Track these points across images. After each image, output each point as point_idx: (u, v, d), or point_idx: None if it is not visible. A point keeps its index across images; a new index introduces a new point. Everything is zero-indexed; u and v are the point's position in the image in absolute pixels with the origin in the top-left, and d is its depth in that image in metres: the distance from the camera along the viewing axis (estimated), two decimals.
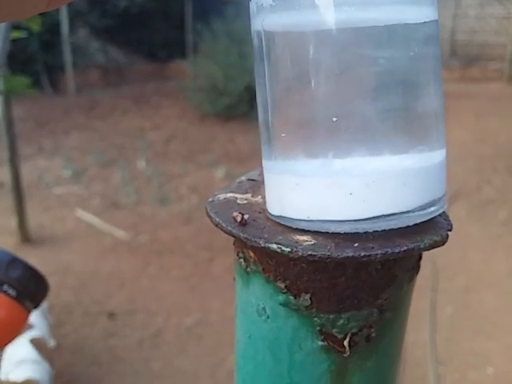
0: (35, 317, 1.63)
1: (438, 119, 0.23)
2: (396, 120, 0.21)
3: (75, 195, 3.11)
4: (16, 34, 2.22)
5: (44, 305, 1.79)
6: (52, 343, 1.82)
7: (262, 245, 0.21)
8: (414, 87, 0.21)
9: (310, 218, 0.22)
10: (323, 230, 0.22)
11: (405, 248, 0.20)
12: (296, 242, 0.21)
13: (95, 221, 2.76)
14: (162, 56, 5.87)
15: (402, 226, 0.21)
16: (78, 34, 5.54)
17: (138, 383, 1.75)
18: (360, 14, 0.20)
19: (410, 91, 0.21)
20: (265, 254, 0.22)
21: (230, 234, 0.22)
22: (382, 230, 0.21)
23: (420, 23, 0.21)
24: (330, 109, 0.21)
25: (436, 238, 0.22)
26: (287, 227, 0.22)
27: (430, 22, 0.21)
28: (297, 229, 0.22)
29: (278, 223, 0.23)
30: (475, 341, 1.93)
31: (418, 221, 0.21)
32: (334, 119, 0.21)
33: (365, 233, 0.21)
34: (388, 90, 0.20)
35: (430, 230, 0.22)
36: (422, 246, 0.21)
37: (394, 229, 0.22)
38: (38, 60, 4.91)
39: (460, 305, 2.14)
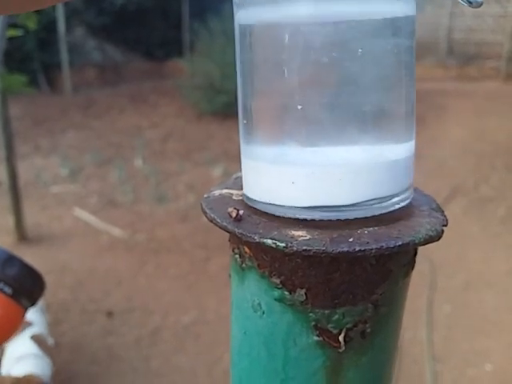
0: (34, 314, 1.63)
1: (399, 116, 0.23)
2: (347, 113, 0.21)
3: (72, 194, 3.11)
4: (12, 32, 2.21)
5: (41, 302, 1.79)
6: (50, 341, 1.82)
7: (257, 240, 0.21)
8: (373, 82, 0.21)
9: (261, 200, 0.23)
10: (270, 213, 0.23)
11: (400, 243, 0.20)
12: (291, 237, 0.21)
13: (92, 219, 2.76)
14: (159, 54, 5.86)
15: (341, 218, 0.22)
16: (74, 33, 5.53)
17: (137, 381, 1.75)
18: (330, 8, 0.20)
19: (369, 86, 0.21)
20: (260, 250, 0.22)
21: (224, 229, 0.22)
22: (328, 220, 0.22)
23: (389, 18, 0.21)
24: (275, 98, 0.22)
25: (431, 233, 0.22)
26: (282, 222, 0.22)
27: (401, 17, 0.21)
28: (292, 224, 0.22)
29: (273, 218, 0.23)
30: (474, 339, 1.94)
31: (360, 216, 0.22)
32: (279, 109, 0.22)
33: (356, 222, 0.22)
34: (347, 83, 0.21)
35: (425, 225, 0.22)
36: (416, 241, 0.21)
37: (390, 222, 0.22)
38: (34, 58, 4.90)
39: (458, 303, 2.15)
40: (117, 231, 2.65)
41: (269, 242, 0.20)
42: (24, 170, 3.09)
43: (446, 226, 0.23)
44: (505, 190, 3.11)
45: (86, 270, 2.36)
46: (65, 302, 2.11)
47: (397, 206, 0.23)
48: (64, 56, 5.01)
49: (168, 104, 4.90)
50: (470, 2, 0.19)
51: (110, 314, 2.07)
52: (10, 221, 2.47)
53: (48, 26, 4.71)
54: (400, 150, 0.23)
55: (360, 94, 0.21)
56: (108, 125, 4.39)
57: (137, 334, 1.97)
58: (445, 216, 0.24)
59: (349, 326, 0.22)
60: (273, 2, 0.21)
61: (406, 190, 0.24)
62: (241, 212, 0.22)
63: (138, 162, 3.58)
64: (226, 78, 4.22)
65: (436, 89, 5.41)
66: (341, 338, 0.22)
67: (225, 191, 0.26)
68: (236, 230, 0.22)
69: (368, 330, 0.23)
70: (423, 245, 0.21)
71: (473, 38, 5.86)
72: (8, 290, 0.49)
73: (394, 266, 0.22)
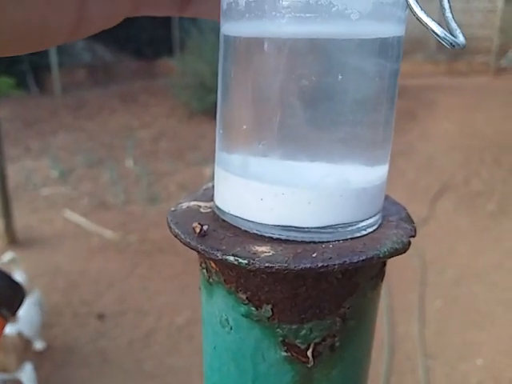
0: (27, 310, 1.63)
1: (374, 144, 0.22)
2: (320, 134, 0.21)
3: (63, 196, 3.10)
4: None
5: (38, 296, 1.77)
6: (41, 345, 1.81)
7: (220, 257, 0.20)
8: (350, 105, 0.21)
9: (230, 212, 0.23)
10: (238, 226, 0.23)
11: (363, 257, 0.20)
12: (254, 253, 0.20)
13: (83, 221, 2.75)
14: (148, 54, 5.84)
15: (307, 240, 0.22)
16: None
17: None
18: (314, 26, 0.19)
19: (346, 109, 0.21)
20: (225, 265, 0.22)
21: (188, 245, 0.22)
22: (293, 240, 0.22)
23: (377, 39, 0.20)
24: (250, 110, 0.22)
25: (397, 246, 0.21)
26: (248, 237, 0.22)
27: (389, 38, 0.21)
28: (257, 239, 0.22)
29: (239, 233, 0.22)
30: (465, 333, 1.95)
31: (325, 239, 0.21)
32: (253, 121, 0.22)
33: (322, 242, 0.21)
34: (323, 103, 0.20)
35: (391, 237, 0.22)
36: (381, 255, 0.20)
37: (356, 236, 0.22)
38: (23, 60, 4.86)
39: (449, 298, 2.16)
40: (108, 233, 2.64)
41: (231, 258, 0.20)
42: (14, 172, 3.07)
43: (413, 236, 0.23)
44: (494, 185, 3.13)
45: (78, 272, 2.35)
46: (57, 305, 2.10)
47: (363, 232, 0.22)
48: (53, 57, 4.98)
49: (159, 103, 4.88)
50: (453, 46, 0.19)
51: (101, 317, 2.06)
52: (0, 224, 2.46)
53: None
54: (372, 178, 0.23)
55: (335, 115, 0.21)
56: (99, 125, 4.37)
57: (129, 337, 1.97)
58: (413, 226, 0.24)
59: (317, 340, 0.22)
60: (257, 16, 0.20)
61: (374, 215, 0.23)
62: (205, 227, 0.22)
63: (130, 163, 3.56)
64: (216, 76, 4.20)
65: (426, 84, 5.43)
66: (309, 353, 0.22)
67: (193, 203, 0.25)
68: (199, 246, 0.21)
69: (337, 344, 0.23)
70: (388, 258, 0.21)
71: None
72: None
73: (360, 279, 0.22)
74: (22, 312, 1.55)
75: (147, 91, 5.21)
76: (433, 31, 0.18)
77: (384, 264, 0.24)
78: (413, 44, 5.65)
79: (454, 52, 5.72)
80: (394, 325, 1.95)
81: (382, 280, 0.24)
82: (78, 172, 3.42)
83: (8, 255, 1.81)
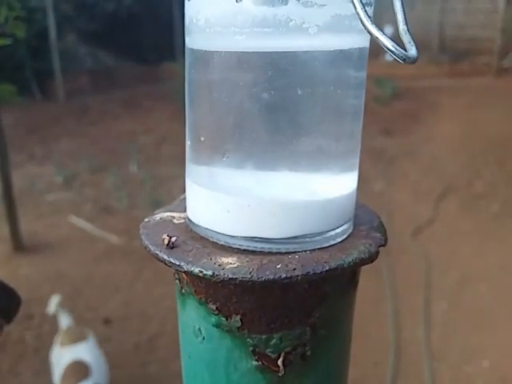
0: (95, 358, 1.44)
1: (339, 155, 0.22)
2: (283, 145, 0.21)
3: (67, 201, 3.11)
4: (1, 42, 2.21)
5: (93, 339, 1.55)
6: None
7: (185, 269, 0.21)
8: (314, 116, 0.21)
9: (200, 224, 0.23)
10: (208, 238, 0.23)
11: (327, 268, 0.20)
12: (219, 265, 0.21)
13: (88, 226, 2.76)
14: (151, 59, 5.85)
15: (273, 250, 0.22)
16: (66, 39, 5.53)
17: None
18: (261, 41, 0.20)
19: (309, 120, 0.21)
20: (195, 276, 0.22)
21: (156, 257, 0.22)
22: (260, 251, 0.22)
23: (341, 50, 0.20)
24: (214, 121, 0.22)
25: (363, 256, 0.21)
26: (216, 248, 0.22)
27: (353, 49, 0.21)
28: (225, 250, 0.22)
29: (208, 244, 0.23)
30: (470, 335, 1.93)
31: (292, 249, 0.21)
32: (218, 132, 0.22)
33: (289, 252, 0.21)
34: (286, 114, 0.20)
35: (359, 247, 0.22)
36: (345, 265, 0.21)
37: (323, 246, 0.22)
38: (26, 66, 4.90)
39: (454, 300, 2.15)
40: (113, 238, 2.64)
41: (196, 270, 0.20)
42: (18, 178, 3.08)
43: (383, 245, 0.23)
44: (497, 186, 3.11)
45: (83, 277, 2.36)
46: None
47: (331, 242, 0.22)
48: (56, 63, 5.00)
49: (162, 108, 4.89)
50: (404, 59, 0.19)
51: (107, 322, 2.06)
52: (5, 230, 2.46)
53: (40, 34, 4.71)
54: (337, 189, 0.23)
55: (297, 128, 0.21)
56: (102, 131, 4.38)
57: (135, 341, 1.97)
58: (384, 235, 0.24)
59: (287, 349, 0.22)
60: (217, 31, 0.21)
61: (342, 225, 0.23)
62: (173, 239, 0.22)
63: (133, 168, 3.57)
64: None
65: (428, 86, 5.40)
66: (279, 362, 0.22)
67: (166, 214, 0.26)
68: (166, 258, 0.21)
69: (308, 353, 0.23)
70: (354, 268, 0.21)
71: (464, 34, 5.86)
72: None
73: (329, 288, 0.22)
74: (92, 361, 1.40)
75: (150, 96, 5.22)
76: (384, 45, 0.18)
77: (355, 273, 0.24)
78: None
79: (457, 53, 5.70)
80: (400, 328, 1.94)
81: (354, 288, 0.24)
82: (82, 177, 3.43)
83: (54, 299, 1.62)
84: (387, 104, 4.77)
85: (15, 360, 1.80)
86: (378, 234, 0.24)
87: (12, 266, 2.34)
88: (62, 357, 1.43)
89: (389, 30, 5.73)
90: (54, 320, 1.97)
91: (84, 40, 5.72)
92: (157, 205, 2.97)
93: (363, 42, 0.22)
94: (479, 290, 2.17)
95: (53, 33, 4.88)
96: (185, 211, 0.26)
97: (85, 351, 1.42)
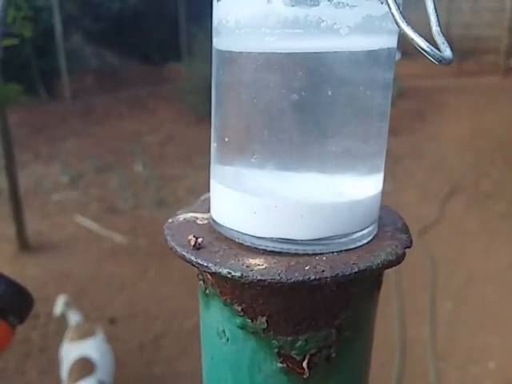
0: (101, 354, 1.44)
1: (365, 157, 0.22)
2: (311, 148, 0.21)
3: (73, 201, 3.11)
4: (8, 42, 2.22)
5: (102, 335, 1.55)
6: None
7: (213, 270, 0.21)
8: (343, 119, 0.21)
9: (225, 225, 0.23)
10: (233, 239, 0.23)
11: (356, 270, 0.20)
12: (247, 266, 0.21)
13: (94, 226, 2.76)
14: (156, 58, 5.86)
15: (300, 252, 0.22)
16: (72, 39, 5.54)
17: None
18: (307, 40, 0.19)
19: (338, 122, 0.21)
20: (221, 277, 0.22)
21: (183, 258, 0.22)
22: (286, 252, 0.22)
23: (370, 51, 0.20)
24: (243, 123, 0.22)
25: (390, 258, 0.21)
26: (242, 249, 0.22)
27: (382, 49, 0.21)
28: (251, 251, 0.22)
29: (234, 245, 0.23)
30: (476, 335, 1.93)
31: (318, 251, 0.21)
32: (247, 133, 0.22)
33: (316, 254, 0.21)
34: (315, 117, 0.20)
35: (386, 249, 0.22)
36: (374, 267, 0.20)
37: (350, 248, 0.22)
38: (32, 66, 4.91)
39: (460, 300, 2.14)
40: (118, 237, 2.65)
41: (224, 271, 0.20)
42: (24, 178, 3.09)
43: (409, 247, 0.23)
44: (504, 186, 3.10)
45: (89, 276, 2.36)
46: None
47: (358, 243, 0.22)
48: (62, 63, 5.02)
49: (167, 108, 4.90)
50: (440, 61, 0.18)
51: (112, 321, 2.07)
52: (11, 229, 2.47)
53: (45, 33, 4.72)
54: (364, 190, 0.23)
55: (326, 128, 0.21)
56: (107, 131, 4.39)
57: (140, 340, 1.97)
58: (409, 237, 0.24)
59: (312, 351, 0.22)
60: (247, 32, 0.20)
61: (368, 226, 0.23)
62: (199, 240, 0.22)
63: (138, 168, 3.58)
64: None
65: (435, 85, 5.39)
66: (304, 364, 0.22)
67: (190, 215, 0.26)
68: (193, 259, 0.21)
69: (333, 355, 0.23)
70: (381, 270, 0.21)
71: (471, 33, 5.83)
72: None
73: (356, 290, 0.22)
74: (98, 357, 1.39)
75: (155, 96, 5.23)
76: (419, 46, 0.18)
77: (380, 274, 0.24)
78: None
79: (463, 52, 5.68)
80: (406, 328, 1.93)
81: (378, 289, 0.24)
82: (88, 177, 3.44)
83: (61, 299, 1.61)
84: (393, 103, 4.75)
85: (21, 359, 1.80)
86: (404, 236, 0.24)
87: (18, 265, 2.35)
88: (69, 352, 1.44)
89: None
90: (59, 319, 1.98)
91: (90, 40, 5.73)
92: (162, 204, 2.97)
93: (392, 42, 0.21)
94: (486, 289, 2.16)
95: (59, 32, 4.90)
96: (207, 212, 0.26)
97: (92, 347, 1.43)
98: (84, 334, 1.49)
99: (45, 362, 1.79)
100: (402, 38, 0.19)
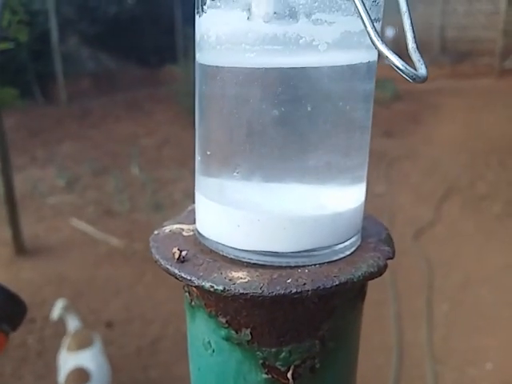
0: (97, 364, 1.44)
1: (347, 170, 0.23)
2: (292, 160, 0.21)
3: (69, 204, 3.11)
4: (3, 46, 2.22)
5: (100, 344, 1.55)
6: None
7: (196, 284, 0.21)
8: (323, 131, 0.21)
9: (210, 237, 0.24)
10: (216, 251, 0.23)
11: (337, 282, 0.20)
12: (230, 279, 0.21)
13: (90, 229, 2.76)
14: (153, 61, 5.86)
15: (283, 264, 0.22)
16: (68, 42, 5.53)
17: None
18: (272, 58, 0.20)
19: (319, 136, 0.21)
20: (204, 290, 0.22)
21: (167, 271, 0.22)
22: (269, 265, 0.22)
23: (350, 65, 0.21)
24: (225, 135, 0.22)
25: (372, 270, 0.22)
26: (226, 262, 0.22)
27: (363, 63, 0.21)
28: (235, 264, 0.22)
29: (218, 258, 0.23)
30: (473, 337, 1.93)
31: (301, 263, 0.22)
32: (229, 145, 0.22)
33: (298, 266, 0.22)
34: (288, 130, 0.21)
35: (368, 260, 0.22)
36: (355, 280, 0.21)
37: (332, 259, 0.22)
38: (28, 69, 4.90)
39: (456, 302, 2.14)
40: (114, 241, 2.65)
41: (207, 285, 0.21)
42: (20, 181, 3.09)
43: (391, 258, 0.23)
44: (499, 187, 3.11)
45: (85, 280, 2.36)
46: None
47: (340, 255, 0.23)
48: (58, 66, 5.01)
49: (163, 111, 4.90)
50: (414, 78, 0.18)
51: (109, 325, 2.06)
52: (7, 233, 2.47)
53: (41, 37, 4.71)
54: (346, 202, 0.23)
55: (307, 142, 0.21)
56: (104, 134, 4.39)
57: (136, 344, 1.97)
58: (392, 248, 0.24)
59: (297, 362, 0.22)
60: (228, 48, 0.21)
61: (351, 238, 0.23)
62: (184, 253, 0.22)
63: (135, 171, 3.58)
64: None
65: (430, 87, 5.40)
66: (289, 375, 0.22)
67: (175, 227, 0.26)
68: (177, 272, 0.22)
69: (317, 366, 0.23)
70: (363, 282, 0.21)
71: (465, 35, 5.85)
72: None
73: (338, 302, 0.23)
74: (94, 368, 1.40)
75: (151, 99, 5.23)
76: (394, 64, 0.18)
77: (364, 285, 0.24)
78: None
79: (458, 55, 5.70)
80: (402, 331, 1.94)
81: (362, 300, 0.24)
82: (84, 180, 3.44)
83: (59, 304, 1.60)
84: (388, 106, 4.77)
85: (18, 364, 1.80)
86: (387, 248, 0.24)
87: (14, 269, 2.34)
88: (67, 361, 1.45)
89: (390, 31, 5.74)
90: (56, 323, 1.98)
91: (86, 43, 5.73)
92: (158, 208, 2.97)
93: (372, 56, 0.22)
94: (482, 291, 2.17)
95: (55, 36, 4.89)
96: (194, 223, 0.26)
97: (88, 358, 1.44)
98: (82, 343, 1.50)
99: (41, 367, 1.78)
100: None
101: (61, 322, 1.63)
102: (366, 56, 0.21)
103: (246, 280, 0.21)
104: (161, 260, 0.23)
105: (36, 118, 4.61)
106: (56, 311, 1.58)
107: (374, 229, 0.26)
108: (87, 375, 1.38)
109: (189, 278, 0.21)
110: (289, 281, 0.20)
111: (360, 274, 0.21)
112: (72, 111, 4.90)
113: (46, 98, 5.10)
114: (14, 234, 2.46)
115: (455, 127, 4.23)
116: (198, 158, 0.24)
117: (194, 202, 0.28)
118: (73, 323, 1.58)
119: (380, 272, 0.22)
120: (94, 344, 1.51)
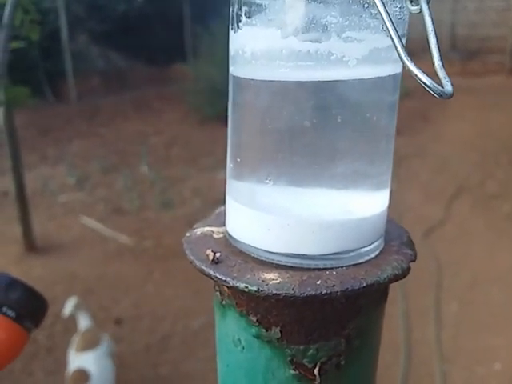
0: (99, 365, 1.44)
1: (373, 177, 0.24)
2: (322, 169, 0.22)
3: (79, 202, 3.13)
4: (15, 45, 2.24)
5: (109, 345, 1.55)
6: None
7: (231, 284, 0.22)
8: (352, 141, 0.22)
9: (241, 240, 0.25)
10: (247, 253, 0.24)
11: (364, 284, 0.21)
12: (263, 280, 0.22)
13: (100, 227, 2.78)
14: (162, 60, 5.87)
15: (312, 266, 0.23)
16: (77, 41, 5.56)
17: None
18: (304, 74, 0.21)
19: (348, 145, 0.22)
20: (237, 290, 0.24)
21: (202, 272, 0.23)
22: (298, 267, 0.23)
23: (376, 78, 0.22)
24: (258, 142, 0.23)
25: (396, 272, 0.23)
26: (257, 264, 0.24)
27: (388, 76, 0.22)
28: (266, 266, 0.23)
29: (249, 260, 0.24)
30: (482, 337, 1.93)
31: (329, 265, 0.23)
32: (261, 158, 0.23)
33: (326, 268, 0.23)
34: (318, 140, 0.22)
35: (392, 263, 0.23)
36: (381, 281, 0.22)
37: (358, 262, 0.24)
38: (38, 68, 4.93)
39: (465, 301, 2.14)
40: (124, 238, 2.66)
41: (241, 286, 0.22)
42: (31, 179, 3.11)
43: (413, 261, 0.24)
44: (510, 186, 3.09)
45: (95, 277, 2.38)
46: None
47: (365, 258, 0.24)
48: (68, 64, 5.04)
49: (172, 110, 4.91)
50: (441, 95, 0.19)
51: (118, 322, 2.08)
52: (17, 231, 2.49)
53: (51, 35, 4.74)
54: (371, 207, 0.24)
55: (336, 152, 0.22)
56: (113, 132, 4.41)
57: (146, 341, 1.98)
58: (414, 250, 0.25)
59: (323, 359, 0.24)
60: (262, 64, 0.22)
61: (375, 241, 0.25)
62: (217, 255, 0.24)
63: (144, 169, 3.60)
64: (228, 80, 4.23)
65: None
66: (316, 371, 0.24)
67: (206, 229, 0.27)
68: (212, 273, 0.23)
69: (342, 363, 0.24)
70: (388, 284, 0.22)
71: (476, 32, 5.80)
72: (11, 313, 0.50)
73: (364, 302, 0.24)
74: (94, 368, 1.41)
75: (160, 97, 5.25)
76: (422, 82, 0.19)
77: (387, 286, 0.25)
78: (425, 44, 5.60)
79: (468, 52, 5.66)
80: (411, 329, 1.94)
81: (385, 300, 0.26)
82: (94, 178, 3.46)
83: (71, 301, 1.61)
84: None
85: (28, 360, 1.82)
86: (409, 251, 0.25)
87: (24, 266, 2.36)
88: (72, 361, 1.47)
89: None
90: (66, 320, 2.00)
91: (95, 41, 5.76)
92: (167, 206, 2.99)
93: (397, 68, 0.23)
94: (491, 290, 2.17)
95: (64, 34, 4.92)
96: (223, 225, 0.27)
97: (90, 361, 1.44)
98: (87, 345, 1.51)
99: (52, 363, 1.80)
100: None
101: (71, 318, 1.65)
102: (392, 69, 0.22)
103: (278, 281, 0.22)
104: (196, 261, 0.24)
105: (46, 117, 4.64)
106: (67, 308, 1.60)
107: (395, 232, 0.27)
108: (87, 377, 1.40)
109: (224, 278, 0.22)
110: (318, 282, 0.22)
111: (385, 276, 0.22)
112: (82, 109, 4.93)
113: (56, 97, 5.13)
114: (25, 231, 2.48)
115: (465, 125, 4.21)
116: (229, 164, 0.25)
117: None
118: (83, 321, 1.59)
119: (404, 274, 0.23)
120: (99, 346, 1.51)
